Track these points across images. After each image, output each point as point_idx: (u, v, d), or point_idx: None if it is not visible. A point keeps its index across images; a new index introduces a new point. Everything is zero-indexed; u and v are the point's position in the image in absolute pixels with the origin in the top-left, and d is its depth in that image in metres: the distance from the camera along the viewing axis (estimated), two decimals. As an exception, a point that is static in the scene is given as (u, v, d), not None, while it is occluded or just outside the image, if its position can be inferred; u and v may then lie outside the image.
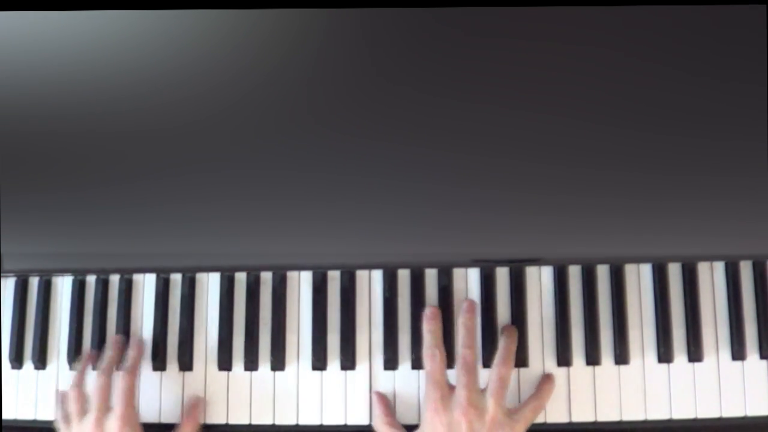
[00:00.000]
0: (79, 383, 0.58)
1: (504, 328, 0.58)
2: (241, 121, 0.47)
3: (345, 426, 0.58)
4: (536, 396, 0.55)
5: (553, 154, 0.47)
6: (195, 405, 0.58)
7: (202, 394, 0.60)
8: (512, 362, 0.55)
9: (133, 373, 0.58)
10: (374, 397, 0.57)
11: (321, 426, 0.58)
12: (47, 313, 0.62)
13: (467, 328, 0.56)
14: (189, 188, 0.50)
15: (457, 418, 0.51)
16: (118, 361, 0.59)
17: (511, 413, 0.53)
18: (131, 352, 0.59)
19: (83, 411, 0.57)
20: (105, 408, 0.56)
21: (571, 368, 0.58)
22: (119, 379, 0.57)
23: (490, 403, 0.52)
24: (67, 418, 0.58)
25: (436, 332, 0.56)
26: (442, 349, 0.55)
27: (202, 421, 0.59)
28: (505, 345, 0.56)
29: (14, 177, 0.50)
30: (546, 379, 0.57)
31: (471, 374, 0.53)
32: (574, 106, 0.46)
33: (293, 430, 0.58)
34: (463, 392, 0.52)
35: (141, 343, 0.60)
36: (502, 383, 0.53)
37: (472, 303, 0.57)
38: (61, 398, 0.59)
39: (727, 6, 0.43)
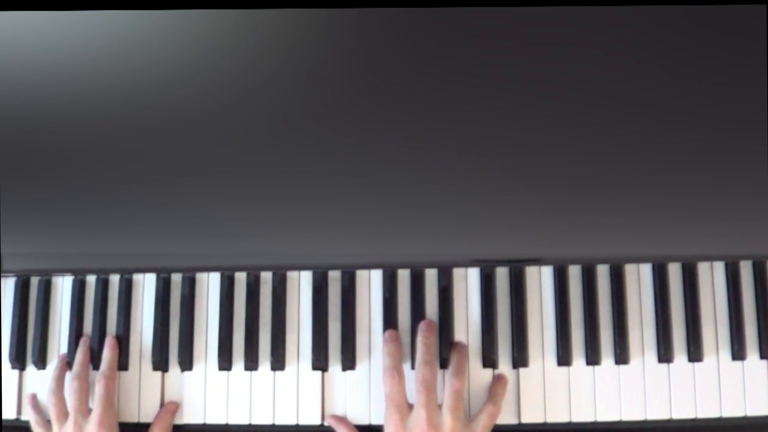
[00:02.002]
0: (58, 389, 0.59)
1: (454, 343, 0.58)
2: (242, 121, 0.47)
3: (345, 426, 0.58)
4: (491, 401, 0.55)
5: (554, 155, 0.47)
6: (169, 409, 0.59)
7: (202, 394, 0.60)
8: (464, 375, 0.56)
9: (111, 376, 0.59)
10: (332, 422, 0.57)
11: (321, 426, 0.58)
12: (47, 313, 0.62)
13: (426, 345, 0.56)
14: (189, 188, 0.50)
15: None
16: (90, 362, 0.60)
17: (470, 423, 0.54)
18: (105, 353, 0.59)
19: (63, 416, 0.58)
20: (83, 412, 0.57)
21: (571, 368, 0.58)
22: (97, 384, 0.58)
23: (448, 419, 0.52)
24: (45, 424, 0.59)
25: (395, 354, 0.56)
26: (401, 370, 0.56)
27: (175, 422, 0.59)
28: (456, 359, 0.56)
29: (14, 177, 0.50)
30: (497, 381, 0.57)
31: (430, 392, 0.53)
32: (575, 107, 0.46)
33: (293, 430, 0.58)
34: (422, 412, 0.52)
35: (114, 342, 0.60)
36: (457, 396, 0.54)
37: (430, 322, 0.58)
38: (32, 402, 0.60)
39: (727, 6, 0.43)
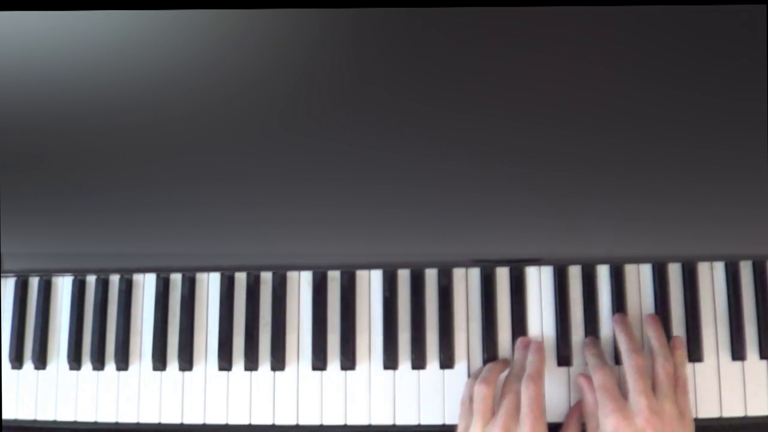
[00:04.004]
0: (493, 381, 0.54)
1: (656, 327, 0.56)
2: (241, 122, 0.47)
3: (345, 426, 0.58)
4: (679, 377, 0.54)
5: (555, 160, 0.47)
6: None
7: (202, 394, 0.60)
8: (672, 359, 0.54)
9: (540, 380, 0.54)
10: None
11: (321, 426, 0.58)
12: (47, 313, 0.62)
13: (627, 334, 0.55)
14: (189, 189, 0.50)
15: (641, 426, 0.50)
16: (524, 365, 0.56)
17: (679, 407, 0.52)
18: (532, 357, 0.56)
19: (490, 413, 0.53)
20: (515, 415, 0.52)
21: (571, 369, 0.58)
22: (525, 387, 0.53)
23: (666, 404, 0.51)
24: (467, 417, 0.55)
25: (600, 352, 0.56)
26: (608, 364, 0.55)
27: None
28: (660, 340, 0.55)
29: (14, 177, 0.50)
30: (674, 350, 0.56)
31: (645, 379, 0.52)
32: (577, 114, 0.46)
33: (293, 430, 0.59)
34: (642, 399, 0.51)
35: (542, 347, 0.57)
36: (670, 380, 0.53)
37: (621, 315, 0.57)
38: (470, 394, 0.56)
39: (727, 6, 0.43)
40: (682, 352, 0.56)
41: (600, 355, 0.56)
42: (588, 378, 0.55)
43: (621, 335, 0.56)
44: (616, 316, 0.58)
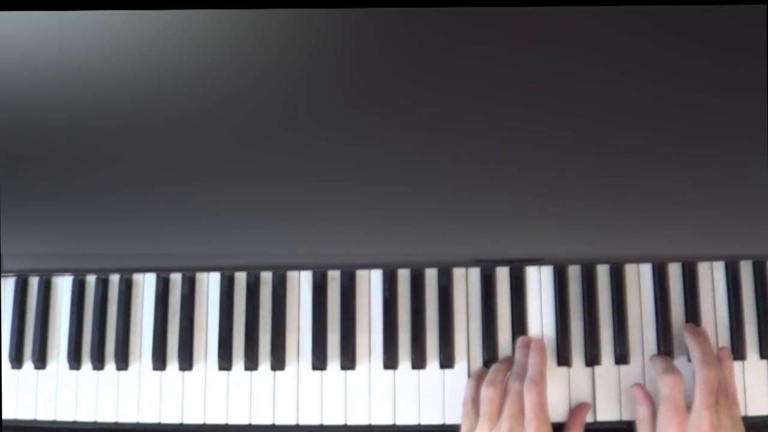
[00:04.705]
0: (500, 383, 0.54)
1: (690, 328, 0.56)
2: (241, 122, 0.47)
3: (345, 426, 0.58)
4: (728, 388, 0.54)
5: (555, 160, 0.47)
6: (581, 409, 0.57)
7: (202, 394, 0.60)
8: (716, 366, 0.52)
9: (542, 382, 0.53)
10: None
11: (321, 426, 0.58)
12: (47, 313, 0.62)
13: (704, 345, 0.54)
14: (189, 188, 0.50)
15: None
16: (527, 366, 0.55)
17: (733, 418, 0.51)
18: (533, 357, 0.55)
19: (497, 415, 0.53)
20: (520, 417, 0.52)
21: (571, 369, 0.58)
22: (527, 390, 0.52)
23: (728, 422, 0.50)
24: (471, 418, 0.54)
25: (670, 359, 0.55)
26: (679, 371, 0.53)
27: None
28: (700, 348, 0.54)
29: (15, 177, 0.50)
30: (722, 361, 0.55)
31: (712, 394, 0.51)
32: (577, 114, 0.46)
33: (293, 430, 0.59)
34: (706, 414, 0.49)
35: (543, 346, 0.56)
36: (725, 392, 0.52)
37: (696, 327, 0.56)
38: (472, 395, 0.55)
39: (727, 6, 0.43)
40: (730, 362, 0.55)
41: (670, 360, 0.55)
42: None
43: (695, 346, 0.54)
44: (688, 325, 0.56)
